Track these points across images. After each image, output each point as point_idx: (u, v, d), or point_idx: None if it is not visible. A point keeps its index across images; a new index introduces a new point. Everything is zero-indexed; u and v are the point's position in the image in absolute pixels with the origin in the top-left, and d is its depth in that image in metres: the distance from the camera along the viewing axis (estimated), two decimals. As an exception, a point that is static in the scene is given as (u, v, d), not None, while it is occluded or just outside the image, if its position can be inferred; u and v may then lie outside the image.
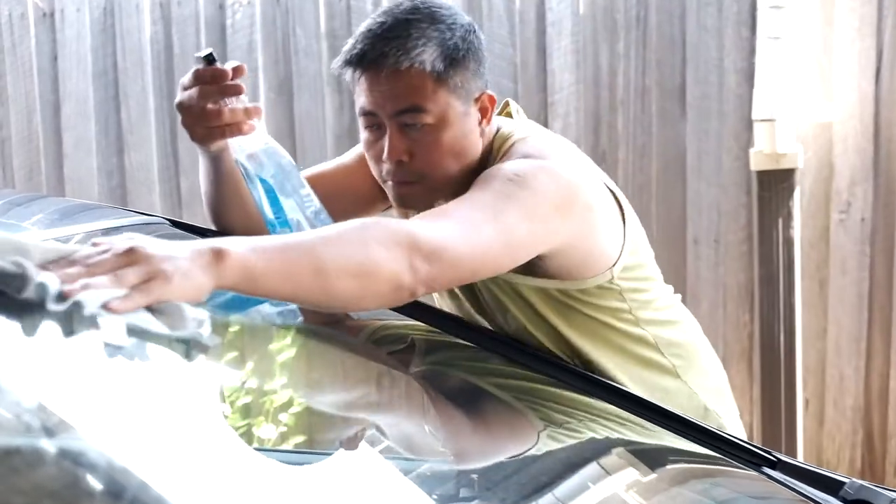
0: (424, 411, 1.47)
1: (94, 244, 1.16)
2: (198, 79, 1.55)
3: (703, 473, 1.48)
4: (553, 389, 1.59)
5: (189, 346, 1.11)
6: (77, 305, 1.04)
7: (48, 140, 4.07)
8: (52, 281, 1.06)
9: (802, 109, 3.07)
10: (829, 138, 3.10)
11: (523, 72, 3.34)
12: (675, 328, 1.81)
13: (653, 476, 1.40)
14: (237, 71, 1.56)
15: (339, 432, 1.33)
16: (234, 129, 1.56)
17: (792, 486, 1.38)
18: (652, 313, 1.76)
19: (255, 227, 1.62)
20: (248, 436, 1.20)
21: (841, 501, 1.35)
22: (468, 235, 1.45)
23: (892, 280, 3.09)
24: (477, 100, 1.65)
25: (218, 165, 1.67)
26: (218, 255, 1.18)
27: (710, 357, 1.88)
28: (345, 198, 1.76)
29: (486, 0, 3.35)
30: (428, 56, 1.58)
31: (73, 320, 1.05)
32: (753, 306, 3.16)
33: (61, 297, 1.05)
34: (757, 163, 3.07)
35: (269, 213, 1.55)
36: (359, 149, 1.83)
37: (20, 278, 1.05)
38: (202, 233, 1.75)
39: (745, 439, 1.57)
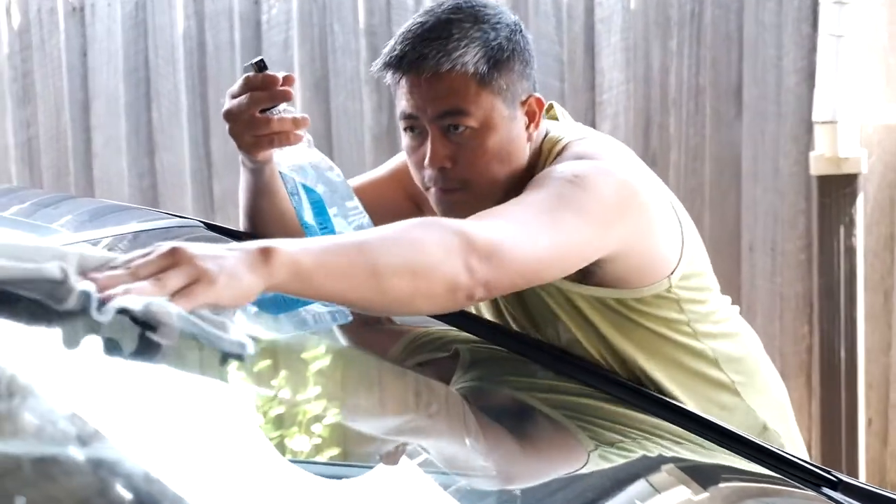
0: (466, 425, 1.47)
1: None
2: (248, 85, 1.57)
3: (759, 493, 1.47)
4: (603, 404, 1.58)
5: (229, 357, 1.10)
6: (119, 312, 1.04)
7: (77, 139, 4.11)
8: (92, 289, 1.06)
9: (866, 111, 3.04)
10: (895, 141, 3.07)
11: (570, 70, 3.33)
12: (735, 342, 1.79)
13: (706, 495, 1.39)
14: (287, 80, 1.58)
15: (378, 445, 1.33)
16: (283, 138, 1.57)
17: (854, 508, 1.37)
18: (711, 326, 1.75)
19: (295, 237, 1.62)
20: (283, 447, 1.21)
21: (906, 525, 1.34)
22: (526, 238, 1.43)
23: (961, 291, 3.06)
24: (524, 103, 1.64)
25: (260, 177, 1.68)
26: (266, 253, 1.16)
27: (771, 373, 1.86)
28: (378, 213, 1.76)
29: (533, -5, 3.35)
30: (470, 57, 1.58)
31: (113, 327, 1.06)
32: (812, 318, 3.14)
33: (102, 304, 1.05)
34: (817, 167, 3.04)
35: (311, 227, 1.56)
36: (394, 162, 1.85)
37: (62, 286, 1.06)
38: (238, 236, 1.76)
39: (805, 458, 1.56)
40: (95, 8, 4.01)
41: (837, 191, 3.06)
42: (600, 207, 1.53)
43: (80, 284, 1.06)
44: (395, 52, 1.60)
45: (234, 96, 1.59)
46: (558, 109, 1.80)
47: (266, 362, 1.33)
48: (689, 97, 3.21)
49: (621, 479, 1.38)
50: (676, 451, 1.51)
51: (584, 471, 1.39)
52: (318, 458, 1.24)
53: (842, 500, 1.39)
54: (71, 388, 1.07)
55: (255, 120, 1.57)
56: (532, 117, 1.65)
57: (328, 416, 1.32)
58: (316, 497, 1.10)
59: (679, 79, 3.22)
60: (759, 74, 3.13)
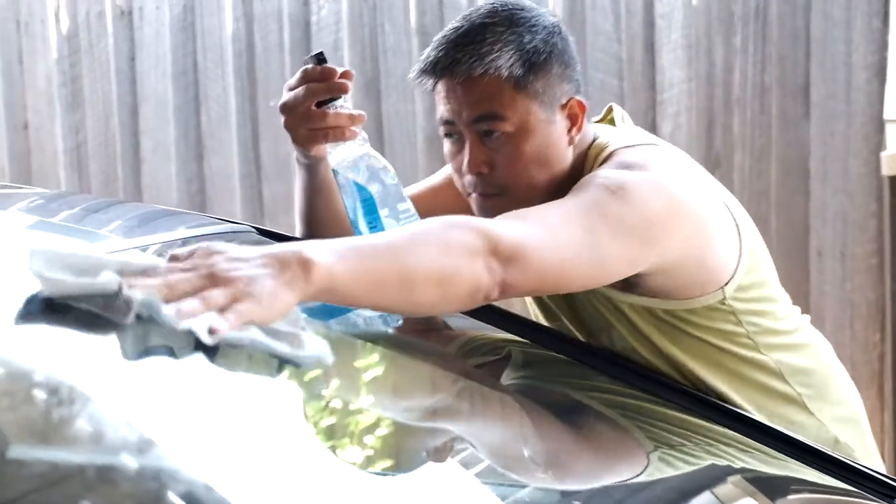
0: (523, 430, 1.47)
1: (173, 257, 1.18)
2: (305, 77, 1.60)
3: (829, 505, 1.45)
4: (665, 410, 1.57)
5: (287, 363, 1.17)
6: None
7: (125, 144, 4.15)
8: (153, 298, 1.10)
9: (940, 108, 3.01)
10: (970, 140, 3.03)
11: (629, 68, 3.32)
12: (804, 354, 1.76)
13: (773, 508, 1.38)
14: (346, 74, 1.61)
15: (430, 451, 1.34)
16: (338, 133, 1.60)
17: (930, 521, 1.35)
18: (775, 338, 1.72)
19: None
20: (336, 455, 1.22)
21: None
22: (551, 244, 1.44)
23: None
24: (564, 106, 1.65)
25: (315, 174, 1.71)
26: (304, 266, 1.19)
27: (845, 384, 1.83)
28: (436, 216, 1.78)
29: (590, -8, 3.34)
30: (504, 61, 1.59)
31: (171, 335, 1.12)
32: (885, 325, 3.10)
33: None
34: (889, 167, 3.01)
35: (362, 225, 1.58)
36: (447, 169, 1.86)
37: (118, 297, 1.11)
38: (290, 241, 1.77)
39: (878, 470, 1.53)
40: (143, 11, 4.06)
41: (910, 192, 3.03)
42: (640, 223, 1.52)
43: (136, 293, 1.10)
44: (430, 59, 1.63)
45: (291, 89, 1.62)
46: (617, 112, 1.79)
47: (317, 370, 1.34)
48: (753, 96, 3.19)
49: (681, 487, 1.37)
50: (740, 459, 1.50)
51: (643, 476, 1.38)
52: (371, 465, 1.24)
53: (916, 513, 1.37)
54: (127, 397, 1.09)
55: (310, 113, 1.60)
56: (574, 120, 1.65)
57: (380, 423, 1.33)
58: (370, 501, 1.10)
59: (743, 77, 3.20)
60: (827, 72, 3.10)
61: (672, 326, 1.67)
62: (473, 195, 1.66)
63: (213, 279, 1.13)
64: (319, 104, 1.60)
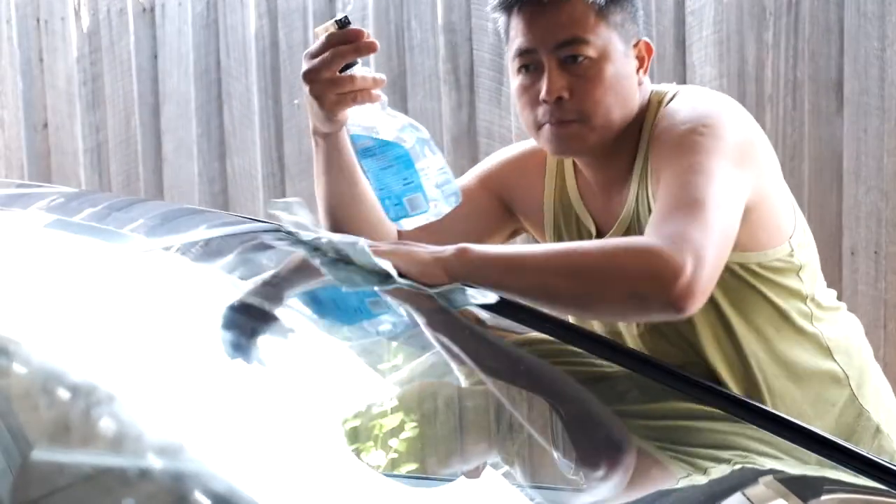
0: (557, 439, 1.48)
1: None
2: (331, 42, 1.62)
3: (865, 505, 1.46)
4: (701, 417, 1.58)
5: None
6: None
7: (147, 143, 4.18)
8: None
9: (977, 105, 3.00)
10: None
11: (660, 65, 3.32)
12: (847, 333, 1.81)
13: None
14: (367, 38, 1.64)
15: (465, 458, 1.35)
16: (365, 95, 1.62)
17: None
18: (824, 312, 1.78)
19: (373, 224, 1.70)
20: (371, 459, 1.23)
21: None
22: (708, 220, 1.54)
23: None
24: (635, 46, 1.72)
25: (338, 147, 1.72)
26: (459, 251, 1.56)
27: (882, 378, 1.86)
28: (471, 218, 1.82)
29: (619, -13, 3.35)
30: None
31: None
32: (920, 326, 3.10)
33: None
34: (924, 165, 3.01)
35: (392, 186, 1.60)
36: (478, 168, 1.91)
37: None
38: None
39: None
40: (166, 8, 4.08)
41: (946, 190, 3.03)
42: (734, 150, 1.62)
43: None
44: None
45: (313, 56, 1.63)
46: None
47: (356, 370, 1.36)
48: (786, 92, 3.19)
49: (711, 490, 1.38)
50: (775, 461, 1.51)
51: (674, 482, 1.39)
52: (404, 471, 1.26)
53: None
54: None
55: (337, 78, 1.61)
56: (642, 62, 1.74)
57: (413, 430, 1.34)
58: None
59: (775, 73, 3.20)
60: (860, 67, 3.10)
61: (743, 284, 1.72)
62: (546, 127, 1.71)
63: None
64: (342, 70, 1.62)
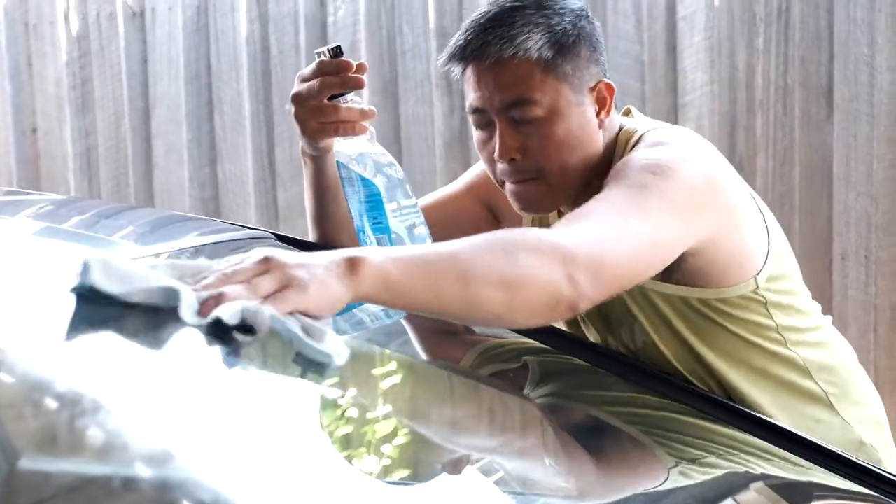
0: (543, 440, 1.48)
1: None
2: (321, 70, 1.61)
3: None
4: (685, 418, 1.59)
5: (320, 367, 1.21)
6: (215, 318, 1.16)
7: (137, 148, 4.17)
8: (188, 294, 1.17)
9: (966, 110, 3.02)
10: None
11: (651, 71, 3.34)
12: (827, 351, 1.79)
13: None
14: (360, 67, 1.62)
15: (448, 462, 1.35)
16: (348, 127, 1.61)
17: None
18: (800, 334, 1.75)
19: (357, 244, 1.67)
20: (353, 463, 1.24)
21: None
22: (622, 240, 1.46)
23: None
24: (592, 89, 1.68)
25: (322, 168, 1.73)
26: (353, 263, 1.23)
27: (866, 385, 1.86)
28: (459, 226, 1.80)
29: (610, -7, 3.37)
30: (533, 43, 1.62)
31: (211, 332, 1.17)
32: (909, 330, 3.11)
33: (199, 311, 1.16)
34: (914, 170, 3.02)
35: (366, 223, 1.59)
36: (469, 175, 1.91)
37: (167, 294, 1.19)
38: (309, 247, 1.80)
39: None
40: (156, 12, 4.07)
41: (936, 195, 3.04)
42: (685, 197, 1.55)
43: (178, 290, 1.17)
44: (459, 43, 1.66)
45: (304, 80, 1.63)
46: (636, 114, 1.82)
47: (335, 376, 1.36)
48: (776, 98, 3.20)
49: (703, 495, 1.38)
50: (763, 467, 1.52)
51: (664, 488, 1.40)
52: (387, 475, 1.26)
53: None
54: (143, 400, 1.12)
55: (323, 106, 1.61)
56: (602, 104, 1.68)
57: (398, 432, 1.34)
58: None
59: (766, 79, 3.21)
60: (850, 73, 3.11)
61: (703, 318, 1.70)
62: (507, 183, 1.69)
63: (264, 268, 1.20)
64: (331, 97, 1.61)
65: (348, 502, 1.10)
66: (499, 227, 1.86)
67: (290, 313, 1.18)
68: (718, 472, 1.47)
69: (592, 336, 1.81)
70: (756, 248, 1.70)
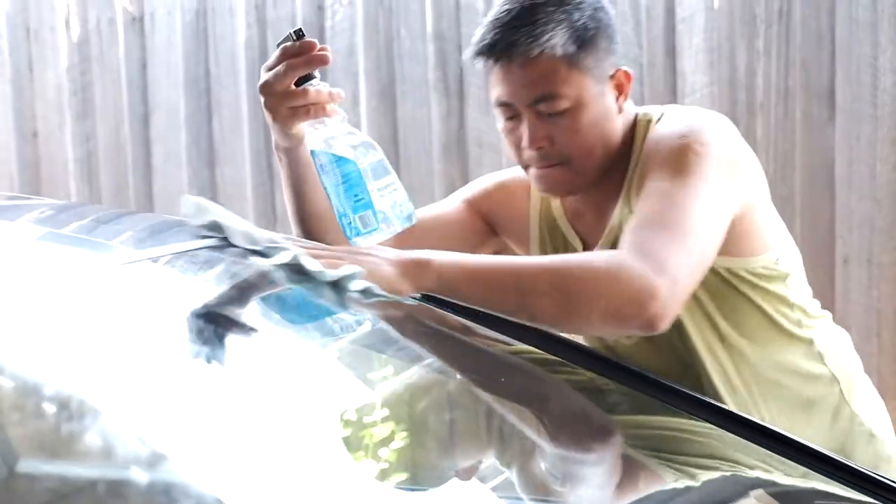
0: (542, 449, 1.47)
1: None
2: (285, 54, 1.61)
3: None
4: (688, 434, 1.57)
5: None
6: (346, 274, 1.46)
7: (137, 153, 4.18)
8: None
9: (969, 112, 3.00)
10: None
11: (650, 73, 3.32)
12: (836, 340, 1.84)
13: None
14: (323, 48, 1.62)
15: (451, 467, 1.34)
16: (319, 110, 1.60)
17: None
18: (812, 320, 1.81)
19: (342, 240, 1.66)
20: (358, 470, 1.23)
21: None
22: (689, 247, 1.59)
23: None
24: (611, 77, 1.75)
25: (297, 160, 1.72)
26: (420, 264, 1.53)
27: (870, 383, 1.90)
28: (456, 237, 1.87)
29: (610, -5, 3.35)
30: (558, 40, 1.68)
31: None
32: (913, 334, 3.09)
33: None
34: (917, 172, 3.01)
35: (346, 203, 1.59)
36: (466, 191, 1.95)
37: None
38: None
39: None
40: (155, 18, 4.08)
41: (939, 198, 3.02)
42: (723, 165, 1.66)
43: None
44: (486, 41, 1.72)
45: (270, 68, 1.62)
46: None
47: (342, 379, 1.36)
48: (777, 100, 3.19)
49: (702, 501, 1.37)
50: (763, 473, 1.50)
51: (667, 495, 1.39)
52: (394, 478, 1.25)
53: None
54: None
55: (291, 92, 1.60)
56: (621, 90, 1.76)
57: (397, 438, 1.34)
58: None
59: (767, 81, 3.20)
60: (852, 75, 3.10)
61: (731, 288, 1.75)
62: (532, 168, 1.76)
63: (339, 253, 1.50)
64: (299, 83, 1.60)
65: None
66: (495, 239, 1.93)
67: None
68: (718, 477, 1.46)
69: None
70: (773, 222, 1.79)
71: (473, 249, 1.86)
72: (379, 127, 3.66)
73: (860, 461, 1.69)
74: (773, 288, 1.76)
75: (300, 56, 1.59)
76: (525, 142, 1.72)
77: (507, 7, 1.71)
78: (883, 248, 3.11)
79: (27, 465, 1.01)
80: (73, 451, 1.03)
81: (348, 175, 1.56)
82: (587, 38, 1.70)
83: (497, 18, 1.71)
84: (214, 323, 1.20)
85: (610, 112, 1.74)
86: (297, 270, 1.48)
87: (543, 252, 1.87)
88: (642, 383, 1.66)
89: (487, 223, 1.91)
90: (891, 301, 3.11)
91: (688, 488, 1.42)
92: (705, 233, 1.62)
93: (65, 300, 1.38)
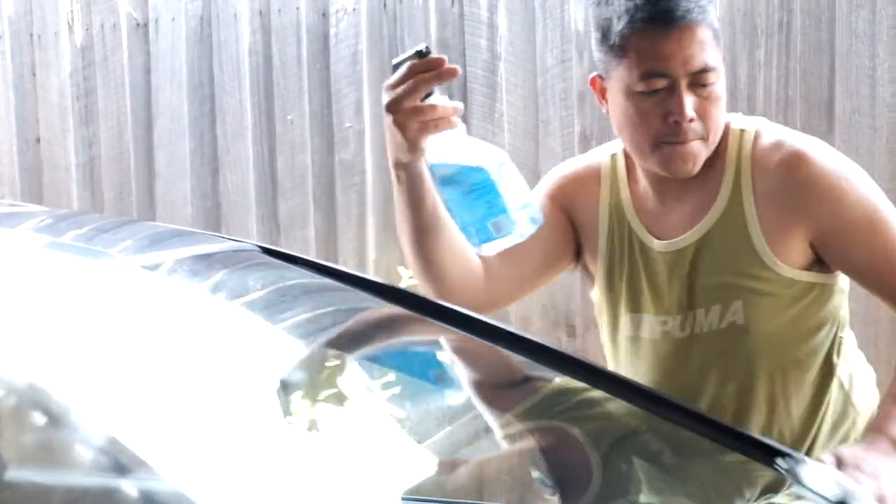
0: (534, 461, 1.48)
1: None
2: (412, 71, 1.63)
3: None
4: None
5: None
6: None
7: (139, 159, 4.17)
8: None
9: (968, 124, 3.00)
10: None
11: (652, 83, 3.33)
12: (852, 344, 1.94)
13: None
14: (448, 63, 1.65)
15: (452, 482, 1.35)
16: (445, 123, 1.64)
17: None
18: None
19: (456, 254, 1.74)
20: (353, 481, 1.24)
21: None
22: None
23: None
24: None
25: (420, 174, 1.72)
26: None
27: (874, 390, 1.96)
28: (546, 238, 1.85)
29: (611, 5, 3.36)
30: (712, 8, 1.71)
31: None
32: (911, 344, 3.10)
33: None
34: (916, 183, 3.01)
35: (474, 211, 1.62)
36: (544, 185, 1.94)
37: None
38: (295, 260, 1.79)
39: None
40: (159, 23, 4.08)
41: (938, 209, 3.02)
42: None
43: None
44: (659, 6, 1.69)
45: (393, 87, 1.65)
46: None
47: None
48: (777, 111, 3.20)
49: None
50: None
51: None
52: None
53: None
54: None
55: (419, 107, 1.63)
56: None
57: (399, 447, 1.35)
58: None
59: (767, 91, 3.20)
60: (852, 86, 3.11)
61: (814, 302, 1.85)
62: (666, 146, 1.73)
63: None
64: (423, 98, 1.64)
65: None
66: (575, 233, 1.92)
67: None
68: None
69: (642, 307, 1.86)
70: None
71: (562, 249, 1.90)
72: (383, 135, 3.65)
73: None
74: (835, 299, 1.90)
75: (430, 72, 1.62)
76: (678, 114, 1.70)
77: None
78: (882, 259, 3.11)
79: (28, 474, 1.01)
80: (73, 459, 1.03)
81: (479, 183, 1.60)
82: (715, 20, 1.72)
83: None
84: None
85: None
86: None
87: (611, 245, 1.87)
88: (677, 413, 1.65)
89: (567, 216, 1.92)
90: (888, 311, 3.11)
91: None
92: None
93: (65, 307, 1.39)
